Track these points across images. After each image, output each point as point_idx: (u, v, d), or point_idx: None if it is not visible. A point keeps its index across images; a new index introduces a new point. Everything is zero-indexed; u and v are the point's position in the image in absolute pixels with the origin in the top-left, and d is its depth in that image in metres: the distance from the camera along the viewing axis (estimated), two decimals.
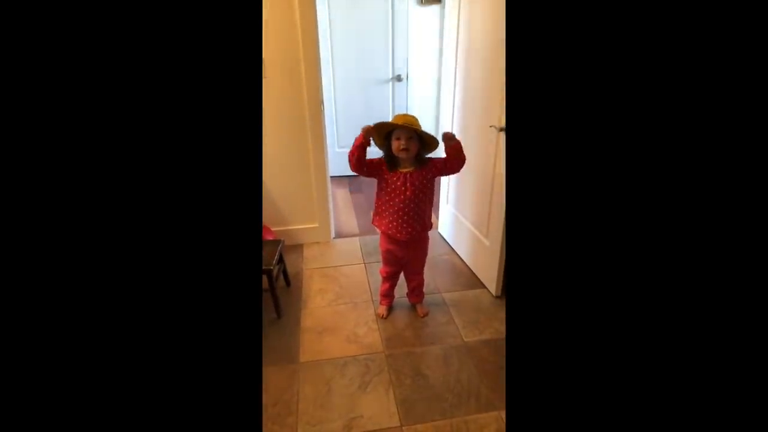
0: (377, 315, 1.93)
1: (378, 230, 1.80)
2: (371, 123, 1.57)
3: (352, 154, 1.60)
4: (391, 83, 3.42)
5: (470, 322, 1.88)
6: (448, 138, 1.58)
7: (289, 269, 2.19)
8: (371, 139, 1.60)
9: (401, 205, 1.64)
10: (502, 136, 1.75)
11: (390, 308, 1.96)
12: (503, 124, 1.72)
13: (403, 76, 3.40)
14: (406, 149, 1.54)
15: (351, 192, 3.39)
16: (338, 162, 3.56)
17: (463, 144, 1.93)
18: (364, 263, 2.36)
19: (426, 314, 1.93)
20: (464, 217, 2.28)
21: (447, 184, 2.44)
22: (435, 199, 1.76)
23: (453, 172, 1.67)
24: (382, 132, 1.59)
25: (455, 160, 1.61)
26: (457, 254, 2.40)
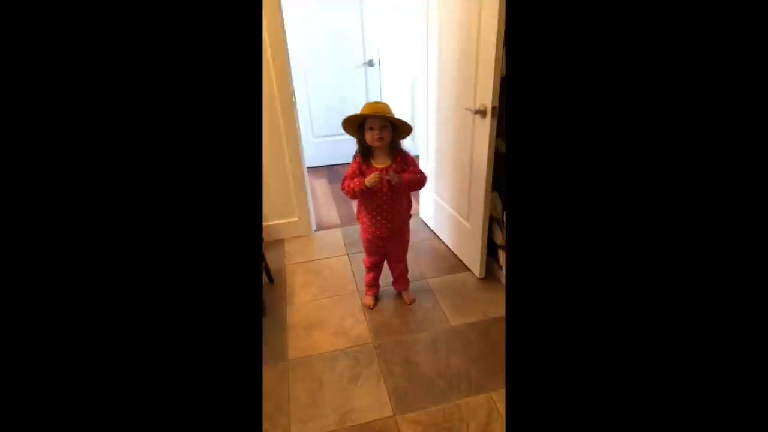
0: (364, 306, 1.92)
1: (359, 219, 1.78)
2: (346, 110, 1.53)
3: (349, 194, 1.61)
4: (363, 69, 3.36)
5: (456, 305, 1.89)
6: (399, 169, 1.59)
7: (271, 265, 2.15)
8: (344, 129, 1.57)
9: (379, 202, 1.63)
10: (478, 118, 1.74)
11: (376, 298, 1.95)
12: (478, 106, 1.71)
13: (375, 62, 3.34)
14: (380, 138, 1.51)
15: (330, 182, 3.34)
16: (315, 152, 3.51)
17: (440, 126, 1.91)
18: (348, 254, 2.34)
19: (412, 301, 1.93)
20: (445, 201, 2.27)
21: (426, 170, 2.42)
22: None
23: (415, 188, 1.66)
24: (354, 124, 1.55)
25: (414, 185, 1.63)
26: (440, 239, 2.41)
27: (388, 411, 1.41)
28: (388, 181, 1.57)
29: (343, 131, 1.59)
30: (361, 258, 2.05)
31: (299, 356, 1.66)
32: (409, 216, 1.77)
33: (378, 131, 1.51)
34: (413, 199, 1.81)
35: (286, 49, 2.07)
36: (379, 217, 1.67)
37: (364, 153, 1.60)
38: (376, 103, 1.56)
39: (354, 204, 2.88)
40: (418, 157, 2.20)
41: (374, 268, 1.88)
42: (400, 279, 1.93)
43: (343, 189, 1.63)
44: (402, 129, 1.57)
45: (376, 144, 1.54)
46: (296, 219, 2.49)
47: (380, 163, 1.60)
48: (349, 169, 1.63)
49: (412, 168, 1.62)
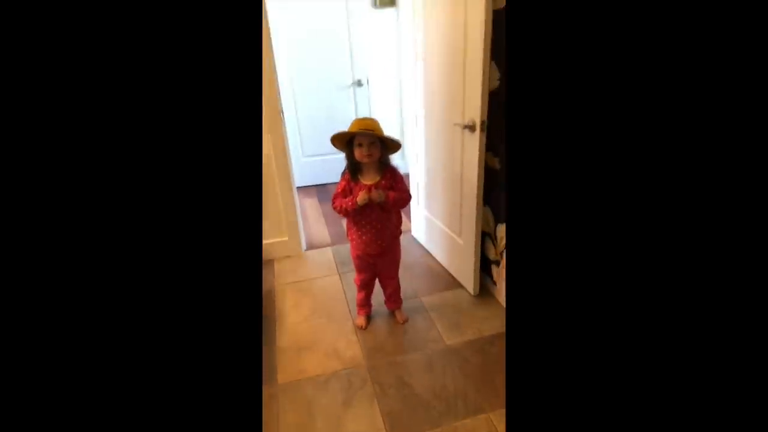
0: (356, 326, 1.87)
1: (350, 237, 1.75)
2: (335, 129, 1.52)
3: (341, 213, 1.61)
4: (352, 88, 3.38)
5: (451, 324, 1.85)
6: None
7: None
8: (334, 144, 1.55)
9: (369, 219, 1.61)
10: (467, 133, 1.74)
11: (369, 318, 1.90)
12: (467, 121, 1.71)
13: (364, 81, 3.37)
14: (369, 154, 1.50)
15: (320, 201, 3.31)
16: (304, 172, 3.50)
17: (429, 142, 1.90)
18: (339, 273, 2.30)
19: (405, 320, 1.88)
20: (436, 217, 2.25)
21: (417, 186, 2.41)
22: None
23: (400, 206, 1.65)
24: (343, 140, 1.54)
25: (396, 210, 1.64)
26: (433, 256, 2.38)
27: None
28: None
29: (333, 148, 1.58)
30: (352, 277, 2.01)
31: (289, 380, 1.59)
32: (400, 232, 1.75)
33: (367, 148, 1.49)
34: (404, 216, 1.78)
35: (274, 69, 2.07)
36: (369, 234, 1.64)
37: (353, 169, 1.58)
38: (365, 119, 1.55)
39: (344, 222, 2.86)
40: (407, 174, 2.19)
41: (365, 287, 1.83)
42: (393, 297, 1.88)
43: (334, 208, 1.61)
44: (391, 146, 1.56)
45: (365, 160, 1.52)
46: (286, 238, 2.44)
47: (369, 179, 1.58)
48: (338, 186, 1.61)
49: (399, 185, 1.60)
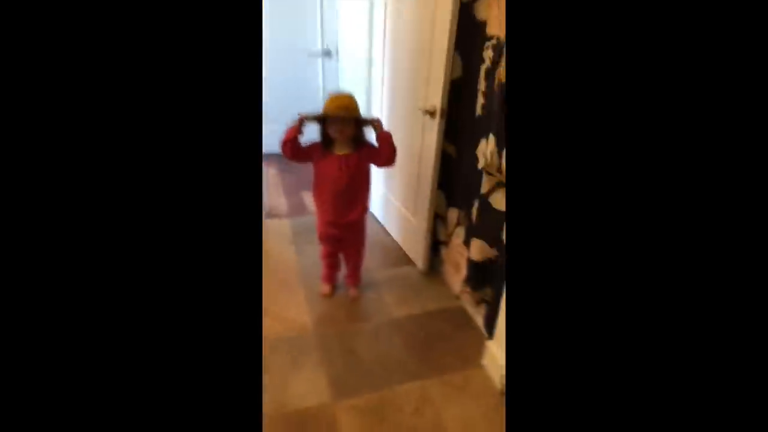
0: (321, 294, 1.94)
1: (315, 211, 1.79)
2: (302, 103, 1.53)
3: (285, 144, 1.56)
4: (321, 59, 3.33)
5: (399, 298, 1.97)
6: (378, 126, 1.59)
7: None
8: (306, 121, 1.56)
9: (338, 190, 1.63)
10: (428, 117, 1.80)
11: (335, 287, 1.98)
12: (428, 107, 1.77)
13: (333, 52, 3.32)
14: (341, 131, 1.53)
15: (281, 171, 3.30)
16: (267, 139, 3.43)
17: (392, 125, 1.93)
18: (295, 244, 2.35)
19: (355, 299, 1.95)
20: (393, 195, 2.33)
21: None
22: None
23: (385, 164, 1.64)
24: (317, 118, 1.55)
25: (386, 148, 1.60)
26: (388, 232, 2.47)
27: (326, 397, 1.46)
28: (347, 168, 1.58)
29: (299, 115, 1.56)
30: (308, 249, 2.07)
31: None
32: (368, 207, 1.78)
33: (340, 124, 1.51)
34: None
35: None
36: (337, 205, 1.67)
37: (325, 140, 1.60)
38: (340, 96, 1.55)
39: (306, 195, 2.88)
40: None
41: (330, 259, 1.89)
42: (352, 274, 1.95)
43: (282, 147, 1.58)
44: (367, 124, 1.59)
45: (338, 136, 1.55)
46: None
47: (341, 150, 1.60)
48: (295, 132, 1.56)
49: (373, 152, 1.62)
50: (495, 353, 1.52)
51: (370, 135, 1.65)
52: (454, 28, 1.56)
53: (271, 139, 3.62)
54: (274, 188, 3.02)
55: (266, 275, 2.07)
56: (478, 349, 1.64)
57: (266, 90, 3.28)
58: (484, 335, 1.72)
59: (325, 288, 1.95)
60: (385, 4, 2.05)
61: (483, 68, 1.52)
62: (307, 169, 1.73)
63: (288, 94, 3.25)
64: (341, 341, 1.71)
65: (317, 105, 1.55)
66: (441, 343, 1.72)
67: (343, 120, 1.51)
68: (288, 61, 3.26)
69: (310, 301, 1.92)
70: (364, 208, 1.76)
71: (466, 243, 1.80)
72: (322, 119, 1.56)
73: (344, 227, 1.74)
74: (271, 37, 3.12)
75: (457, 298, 1.95)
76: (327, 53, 3.32)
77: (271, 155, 3.50)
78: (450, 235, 1.98)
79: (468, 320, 1.85)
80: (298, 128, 1.54)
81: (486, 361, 1.58)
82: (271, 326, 1.75)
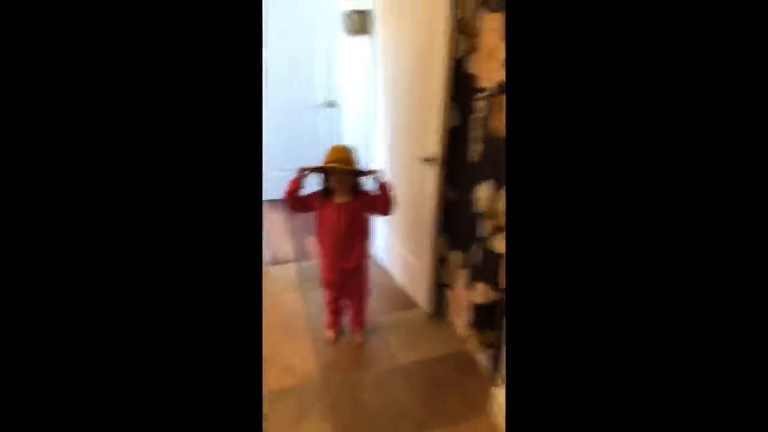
0: (326, 340, 1.94)
1: (318, 255, 1.83)
2: (309, 150, 1.62)
3: (288, 196, 1.64)
4: (324, 108, 3.49)
5: (405, 342, 1.95)
6: (377, 176, 1.65)
7: None
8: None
9: (337, 236, 1.69)
10: (427, 166, 1.87)
11: (339, 332, 1.98)
12: (427, 154, 1.84)
13: (337, 102, 3.48)
14: (340, 182, 1.61)
15: (288, 216, 3.36)
16: (271, 185, 3.53)
17: (394, 172, 1.99)
18: (301, 289, 2.36)
19: (360, 344, 1.95)
20: (397, 239, 2.37)
21: None
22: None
23: (382, 212, 1.69)
24: (317, 170, 1.64)
25: (383, 197, 1.65)
26: (391, 276, 2.48)
27: None
28: (345, 215, 1.64)
29: (302, 163, 1.64)
30: (315, 293, 2.08)
31: None
32: (367, 253, 1.82)
33: (339, 175, 1.60)
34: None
35: None
36: (334, 251, 1.72)
37: (325, 188, 1.67)
38: (340, 149, 1.64)
39: (310, 239, 2.92)
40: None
41: (333, 304, 1.91)
42: (356, 319, 1.95)
43: (284, 200, 1.65)
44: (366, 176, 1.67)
45: (337, 186, 1.63)
46: None
47: (340, 199, 1.67)
48: (296, 185, 1.64)
49: (371, 200, 1.68)
50: (501, 401, 1.49)
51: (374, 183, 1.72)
52: (448, 81, 1.66)
53: (274, 185, 3.71)
54: (280, 234, 3.07)
55: (271, 322, 2.07)
56: (485, 396, 1.60)
57: (276, 139, 3.43)
58: (491, 381, 1.69)
59: (330, 334, 1.96)
60: (385, 57, 2.18)
61: (477, 118, 1.60)
62: (314, 214, 1.78)
63: (295, 143, 3.39)
64: (347, 389, 1.68)
65: (323, 152, 1.64)
66: (447, 390, 1.69)
67: (341, 171, 1.59)
68: (295, 112, 3.42)
69: (316, 348, 1.91)
70: (364, 254, 1.80)
71: (470, 286, 1.81)
72: (322, 171, 1.63)
73: (345, 273, 1.78)
74: (282, 89, 3.30)
75: (463, 341, 1.93)
76: (331, 104, 3.48)
77: (274, 201, 3.59)
78: (454, 278, 1.99)
79: (474, 365, 1.82)
80: (298, 181, 1.62)
81: (492, 408, 1.55)
82: (276, 376, 1.74)
